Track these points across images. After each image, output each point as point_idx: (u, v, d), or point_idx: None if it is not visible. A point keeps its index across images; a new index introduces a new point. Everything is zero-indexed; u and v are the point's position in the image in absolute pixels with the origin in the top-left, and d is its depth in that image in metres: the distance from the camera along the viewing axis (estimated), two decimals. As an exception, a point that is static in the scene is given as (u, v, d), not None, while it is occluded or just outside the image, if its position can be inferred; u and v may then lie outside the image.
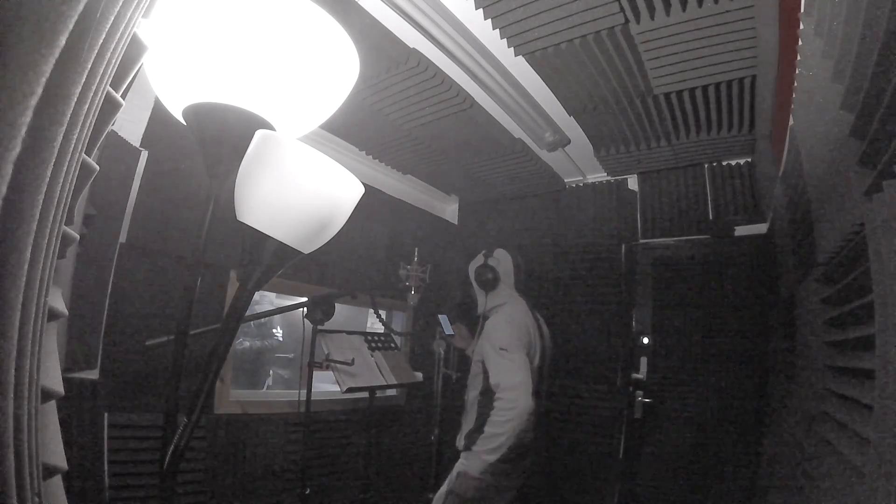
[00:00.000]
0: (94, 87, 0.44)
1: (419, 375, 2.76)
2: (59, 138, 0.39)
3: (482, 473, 1.75)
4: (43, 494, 0.48)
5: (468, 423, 1.93)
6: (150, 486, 1.80)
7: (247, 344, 3.54)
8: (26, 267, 0.38)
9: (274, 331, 3.79)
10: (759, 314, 2.41)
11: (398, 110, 2.31)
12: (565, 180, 3.27)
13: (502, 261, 2.08)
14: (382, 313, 3.06)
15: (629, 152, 2.68)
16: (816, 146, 1.09)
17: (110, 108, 0.54)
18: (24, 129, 0.33)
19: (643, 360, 2.80)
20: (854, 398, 0.85)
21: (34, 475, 0.44)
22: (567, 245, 3.14)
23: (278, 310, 1.98)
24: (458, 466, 1.88)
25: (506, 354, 1.83)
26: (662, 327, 2.75)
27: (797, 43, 1.22)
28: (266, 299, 3.49)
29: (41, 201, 0.38)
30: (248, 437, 2.25)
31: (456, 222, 3.80)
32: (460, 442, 1.93)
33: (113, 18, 0.42)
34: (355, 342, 2.47)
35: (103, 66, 0.44)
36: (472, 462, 1.76)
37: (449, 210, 3.88)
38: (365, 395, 2.37)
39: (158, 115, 1.87)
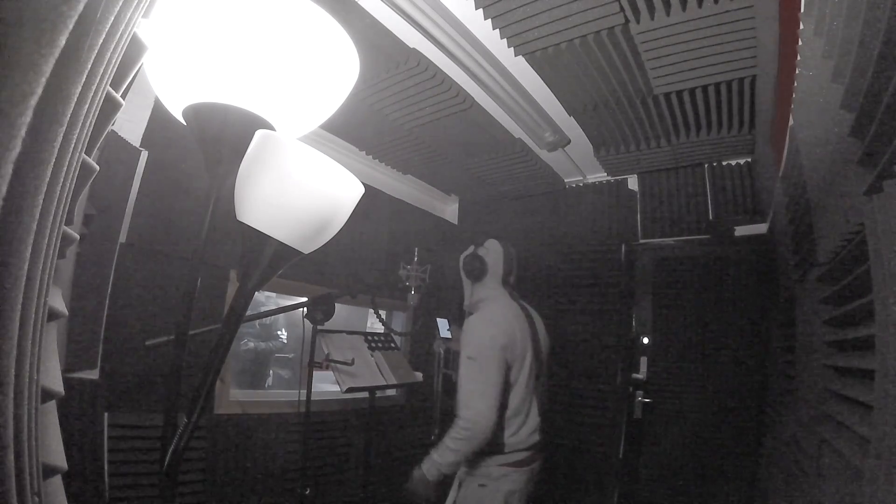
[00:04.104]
0: (94, 87, 0.44)
1: (419, 375, 2.76)
2: (59, 138, 0.39)
3: (436, 480, 1.66)
4: (43, 494, 0.48)
5: None
6: (150, 486, 1.80)
7: (251, 345, 3.54)
8: (26, 267, 0.38)
9: (278, 332, 3.79)
10: (759, 314, 2.41)
11: (398, 110, 2.31)
12: (565, 180, 3.27)
13: (492, 251, 1.95)
14: (382, 313, 3.06)
15: (629, 152, 2.68)
16: (816, 146, 1.09)
17: (110, 108, 0.54)
18: (24, 129, 0.33)
19: (643, 360, 2.80)
20: (854, 398, 0.85)
21: (34, 475, 0.44)
22: (567, 245, 3.15)
23: (278, 309, 1.97)
24: (461, 476, 1.81)
25: (472, 365, 1.69)
26: (662, 327, 2.75)
27: (797, 43, 1.22)
28: (272, 301, 3.49)
29: (41, 201, 0.38)
30: (248, 437, 2.25)
31: (456, 222, 3.81)
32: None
33: (113, 18, 0.42)
34: (355, 342, 2.47)
35: (103, 66, 0.44)
36: (429, 467, 1.66)
37: (449, 210, 3.88)
38: (365, 395, 2.37)
39: (158, 115, 1.88)
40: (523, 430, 1.76)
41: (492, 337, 1.72)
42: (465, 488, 1.76)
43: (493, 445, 1.71)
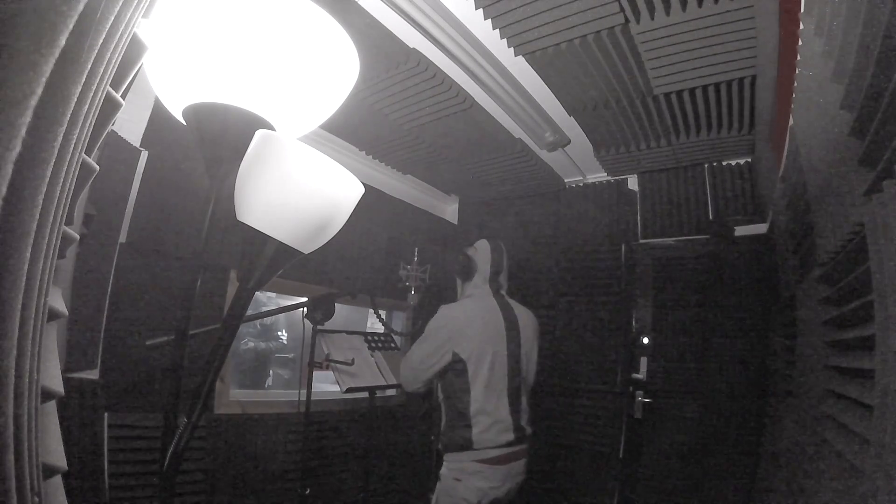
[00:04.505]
0: (94, 87, 0.44)
1: (419, 375, 2.75)
2: (59, 138, 0.39)
3: None
4: (43, 494, 0.48)
5: (443, 422, 1.89)
6: (150, 486, 1.80)
7: (251, 345, 3.54)
8: (26, 267, 0.38)
9: (279, 333, 3.79)
10: (759, 314, 2.41)
11: (398, 110, 2.31)
12: (565, 180, 3.27)
13: (480, 250, 2.02)
14: (382, 313, 3.06)
15: (629, 152, 2.68)
16: (816, 146, 1.09)
17: (110, 108, 0.54)
18: (24, 129, 0.33)
19: (643, 360, 2.80)
20: (854, 398, 0.85)
21: (34, 475, 0.44)
22: (567, 245, 3.14)
23: (278, 309, 1.98)
24: (442, 470, 1.86)
25: (422, 337, 1.86)
26: (662, 327, 2.75)
27: (797, 43, 1.22)
28: (273, 302, 3.49)
29: (41, 201, 0.38)
30: (248, 437, 2.25)
31: (456, 222, 3.80)
32: (436, 444, 1.92)
33: (113, 18, 0.42)
34: (355, 342, 2.47)
35: (103, 66, 0.44)
36: None
37: (449, 210, 3.88)
38: (365, 395, 2.37)
39: (158, 115, 1.88)
40: (493, 428, 1.78)
41: (439, 326, 1.85)
42: (444, 482, 1.81)
43: (462, 441, 1.78)
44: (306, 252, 0.73)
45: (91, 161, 0.54)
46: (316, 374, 2.12)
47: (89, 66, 0.40)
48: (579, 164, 3.01)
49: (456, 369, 1.80)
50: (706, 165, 2.76)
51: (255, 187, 0.67)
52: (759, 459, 2.21)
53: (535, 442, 1.94)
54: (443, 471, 1.84)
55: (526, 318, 2.01)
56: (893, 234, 0.62)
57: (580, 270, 3.05)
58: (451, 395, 1.83)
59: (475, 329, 1.83)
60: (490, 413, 1.79)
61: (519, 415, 1.86)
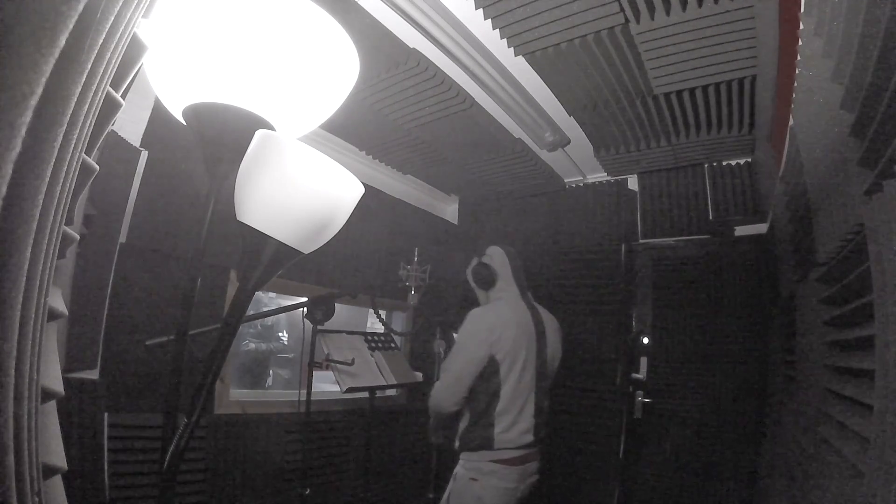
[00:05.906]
0: (94, 87, 0.44)
1: (419, 375, 2.76)
2: (59, 138, 0.39)
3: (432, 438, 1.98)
4: (43, 494, 0.48)
5: (463, 422, 1.89)
6: (150, 486, 1.80)
7: (252, 346, 3.53)
8: (26, 267, 0.38)
9: (280, 335, 3.79)
10: (759, 314, 2.41)
11: (398, 110, 2.31)
12: (565, 180, 3.27)
13: (495, 256, 2.03)
14: (382, 313, 3.06)
15: (629, 152, 2.68)
16: (816, 146, 1.09)
17: (110, 108, 0.54)
18: (24, 129, 0.33)
19: (643, 360, 2.80)
20: (854, 398, 0.85)
21: (34, 475, 0.44)
22: (567, 245, 3.14)
23: (278, 309, 1.97)
24: (458, 469, 1.87)
25: (455, 347, 1.85)
26: (662, 327, 2.75)
27: (797, 43, 1.22)
28: (274, 303, 3.49)
29: (41, 201, 0.38)
30: (248, 437, 2.25)
31: (456, 222, 3.80)
32: (455, 442, 1.90)
33: (113, 18, 0.42)
34: (355, 342, 2.47)
35: (103, 66, 0.44)
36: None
37: (449, 210, 3.88)
38: (365, 395, 2.37)
39: (158, 115, 1.88)
40: (514, 428, 1.80)
41: (475, 330, 1.83)
42: (459, 481, 1.82)
43: (483, 441, 1.78)
44: (306, 252, 0.73)
45: (91, 161, 0.54)
46: (316, 374, 2.12)
47: (89, 66, 0.40)
48: (579, 164, 3.01)
49: (488, 371, 1.81)
50: (706, 165, 2.76)
51: (255, 187, 0.67)
52: (759, 459, 2.21)
53: (547, 444, 1.97)
54: (458, 470, 1.85)
55: (551, 323, 2.06)
56: (893, 234, 0.62)
57: (580, 270, 3.05)
58: (477, 395, 1.82)
59: (511, 330, 1.83)
60: (514, 414, 1.81)
61: (541, 417, 1.89)
